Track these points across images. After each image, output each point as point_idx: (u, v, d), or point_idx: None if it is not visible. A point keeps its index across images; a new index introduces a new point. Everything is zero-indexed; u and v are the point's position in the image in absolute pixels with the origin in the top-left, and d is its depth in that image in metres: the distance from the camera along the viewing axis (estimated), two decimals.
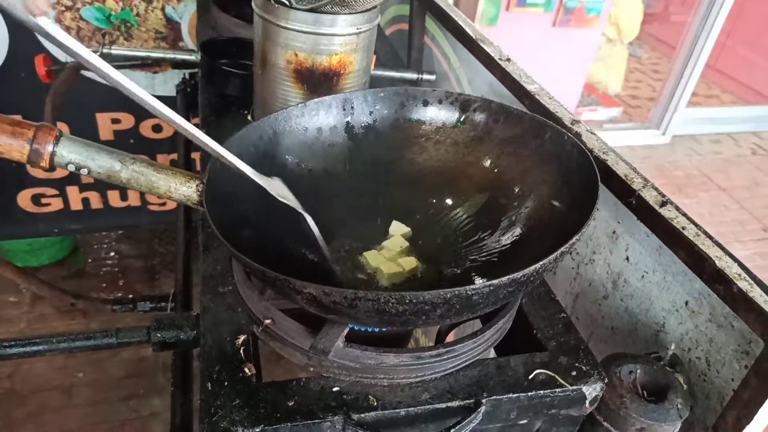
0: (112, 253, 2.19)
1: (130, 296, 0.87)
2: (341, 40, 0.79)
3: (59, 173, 1.64)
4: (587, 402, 0.61)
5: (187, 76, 1.45)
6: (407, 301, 0.46)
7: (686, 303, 0.68)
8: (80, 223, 1.75)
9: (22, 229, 1.71)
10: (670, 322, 0.71)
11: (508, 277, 0.47)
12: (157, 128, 1.66)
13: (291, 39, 0.78)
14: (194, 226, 1.06)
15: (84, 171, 0.57)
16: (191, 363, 0.82)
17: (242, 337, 0.60)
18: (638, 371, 0.65)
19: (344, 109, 0.76)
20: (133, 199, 1.76)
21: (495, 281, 0.47)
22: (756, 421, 0.58)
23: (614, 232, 0.79)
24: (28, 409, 1.66)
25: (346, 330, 0.56)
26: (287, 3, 0.79)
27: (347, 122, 0.76)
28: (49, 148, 0.55)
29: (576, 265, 0.88)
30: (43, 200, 1.68)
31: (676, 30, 3.49)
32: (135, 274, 2.09)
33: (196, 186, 0.60)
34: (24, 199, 1.66)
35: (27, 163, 0.56)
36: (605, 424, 0.63)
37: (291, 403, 0.54)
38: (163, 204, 1.81)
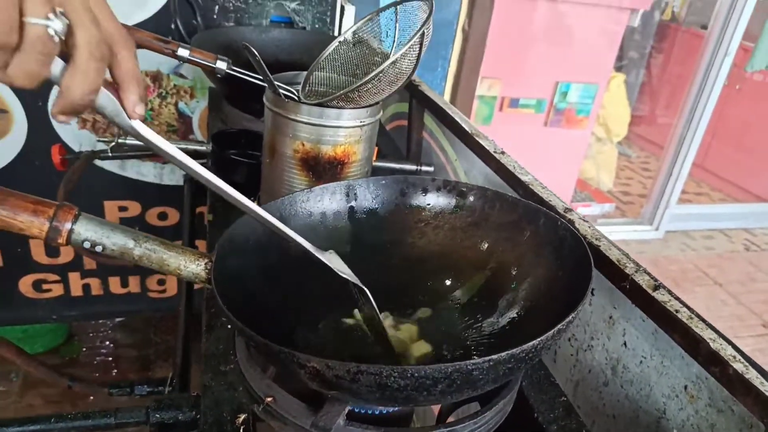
0: (107, 342, 2.16)
1: (128, 380, 0.85)
2: (345, 132, 0.84)
3: (63, 258, 1.66)
4: None
5: None
6: (409, 375, 0.47)
7: (685, 388, 0.68)
8: (79, 309, 1.75)
9: (20, 315, 1.71)
10: (670, 408, 0.71)
11: (507, 352, 0.48)
12: (162, 216, 1.70)
13: (299, 130, 0.83)
14: (195, 313, 1.07)
15: (99, 248, 0.60)
16: None
17: (242, 416, 0.59)
18: None
19: (347, 196, 0.79)
20: (134, 286, 1.77)
21: (494, 356, 0.48)
22: None
23: (611, 317, 0.80)
24: None
25: (348, 408, 0.56)
26: (296, 98, 0.85)
27: (350, 208, 0.79)
28: (68, 225, 0.58)
29: (575, 351, 0.89)
30: (44, 286, 1.69)
31: (663, 131, 3.66)
32: (129, 363, 2.06)
33: (205, 264, 0.62)
34: (25, 284, 1.67)
35: (44, 240, 0.58)
36: None
37: None
38: (163, 291, 1.82)
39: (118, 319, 2.22)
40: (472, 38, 2.71)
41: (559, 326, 0.51)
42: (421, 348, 0.65)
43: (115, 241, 0.60)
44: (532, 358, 0.52)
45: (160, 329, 2.23)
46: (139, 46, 0.84)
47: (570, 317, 0.52)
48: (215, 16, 1.41)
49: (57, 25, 0.41)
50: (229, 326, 0.72)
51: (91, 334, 2.18)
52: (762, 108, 4.02)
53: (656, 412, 0.73)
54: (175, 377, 0.92)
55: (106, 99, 0.48)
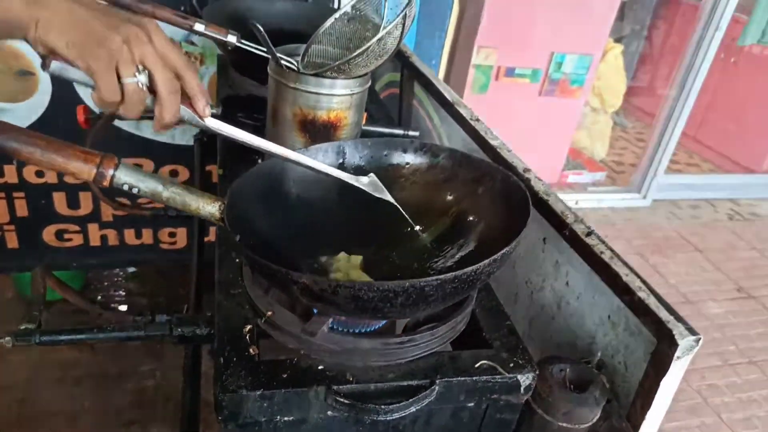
0: (121, 291, 2.33)
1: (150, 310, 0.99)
2: (338, 99, 0.98)
3: (83, 210, 1.81)
4: (522, 389, 0.75)
5: None
6: (375, 289, 0.62)
7: (609, 317, 0.84)
8: (97, 258, 1.91)
9: (43, 262, 1.86)
10: (599, 334, 0.86)
11: (451, 273, 0.63)
12: (173, 173, 1.85)
13: (298, 97, 0.97)
14: (206, 261, 1.22)
15: (135, 190, 0.74)
16: (201, 363, 0.96)
17: (248, 327, 0.75)
18: (567, 369, 0.80)
19: (338, 154, 0.93)
20: (147, 238, 1.93)
21: (441, 276, 0.63)
22: (654, 405, 0.73)
23: (557, 262, 0.95)
24: None
25: (330, 320, 0.71)
26: (296, 69, 0.98)
27: (340, 165, 0.93)
28: (111, 171, 0.72)
29: (530, 292, 1.04)
30: (66, 235, 1.84)
31: (659, 103, 3.75)
32: (141, 310, 2.23)
33: (219, 206, 0.76)
34: (48, 233, 1.82)
35: (92, 183, 0.73)
36: (539, 411, 0.78)
37: (285, 375, 0.69)
38: (174, 243, 1.98)
39: (130, 270, 2.39)
40: (469, 9, 2.80)
41: (494, 257, 0.66)
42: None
43: (147, 185, 0.74)
44: (473, 280, 0.67)
45: (170, 280, 2.40)
46: (162, 20, 0.97)
47: (503, 252, 0.67)
48: None
49: (143, 78, 0.62)
50: (237, 260, 0.87)
51: (105, 283, 2.35)
52: (757, 81, 4.10)
53: (589, 339, 0.89)
54: (190, 307, 1.08)
55: (183, 111, 0.68)
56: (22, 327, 0.79)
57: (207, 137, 1.63)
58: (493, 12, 2.88)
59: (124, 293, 2.35)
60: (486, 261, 0.65)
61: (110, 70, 0.61)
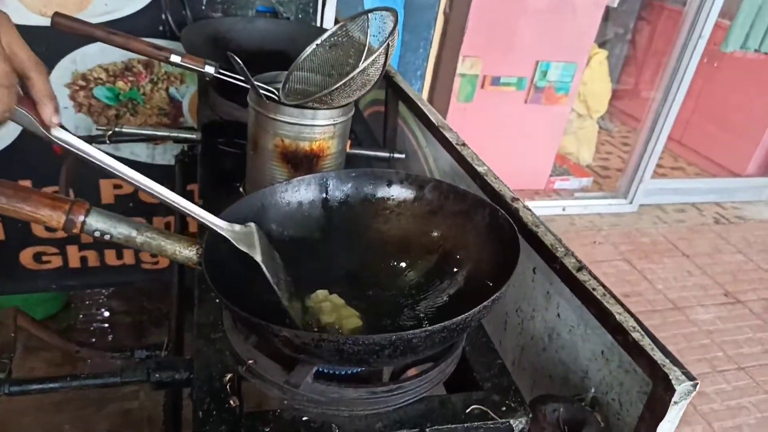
0: (103, 310, 2.28)
1: (128, 346, 0.97)
2: (320, 129, 0.95)
3: (62, 233, 1.76)
4: None
5: (185, 148, 1.61)
6: (360, 343, 0.60)
7: (602, 352, 0.82)
8: (77, 279, 1.86)
9: (21, 285, 1.82)
10: (591, 369, 0.84)
11: (440, 324, 0.61)
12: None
13: (279, 128, 0.94)
14: (188, 286, 1.19)
15: (107, 236, 0.71)
16: (181, 405, 0.93)
17: (229, 375, 0.72)
18: (561, 410, 0.78)
19: (321, 187, 0.90)
20: (128, 258, 1.88)
21: (430, 328, 0.60)
22: None
23: (548, 293, 0.93)
24: None
25: (314, 369, 0.69)
26: (276, 98, 0.96)
27: (323, 197, 0.90)
28: (81, 218, 0.69)
29: (521, 321, 1.02)
30: (44, 258, 1.79)
31: (644, 106, 3.76)
32: (124, 330, 2.18)
33: (197, 250, 0.73)
34: (26, 256, 1.77)
35: (62, 230, 0.70)
36: None
37: (267, 429, 0.66)
38: (156, 262, 1.93)
39: (112, 288, 2.34)
40: (453, 20, 2.78)
41: (484, 304, 0.63)
42: (353, 322, 0.77)
43: (120, 230, 0.71)
44: (463, 328, 0.65)
45: (153, 297, 2.35)
46: (136, 52, 0.94)
47: (493, 297, 0.64)
48: (203, 8, 1.49)
49: None
50: (218, 300, 0.84)
51: (87, 302, 2.30)
52: (740, 85, 4.13)
53: (581, 373, 0.87)
54: (170, 342, 1.04)
55: (21, 115, 0.61)
56: None
57: (188, 158, 1.60)
58: (477, 21, 2.87)
59: (107, 313, 2.30)
60: (475, 309, 0.63)
61: None
